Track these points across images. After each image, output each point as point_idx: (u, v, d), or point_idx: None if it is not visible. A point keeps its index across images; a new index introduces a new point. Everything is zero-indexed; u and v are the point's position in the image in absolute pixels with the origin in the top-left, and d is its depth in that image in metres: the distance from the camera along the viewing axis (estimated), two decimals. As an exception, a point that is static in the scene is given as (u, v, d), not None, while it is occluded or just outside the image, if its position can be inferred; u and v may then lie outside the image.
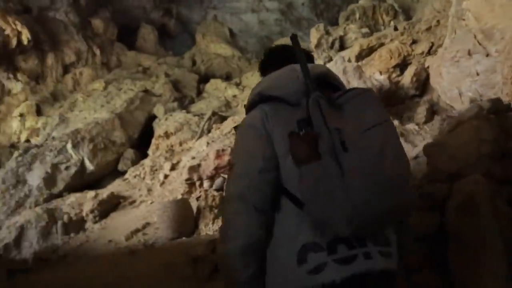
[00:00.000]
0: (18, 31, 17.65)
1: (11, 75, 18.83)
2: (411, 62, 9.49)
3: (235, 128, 1.58)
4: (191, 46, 22.31)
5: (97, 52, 19.65)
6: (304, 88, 1.44)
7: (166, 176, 11.00)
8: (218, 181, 7.73)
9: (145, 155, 14.43)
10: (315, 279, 1.25)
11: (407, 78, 8.77)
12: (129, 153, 14.61)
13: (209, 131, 13.58)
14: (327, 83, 1.54)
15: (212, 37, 21.13)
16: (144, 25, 22.14)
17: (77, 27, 19.70)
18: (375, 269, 1.27)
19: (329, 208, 1.22)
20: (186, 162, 10.65)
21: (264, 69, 1.82)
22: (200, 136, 13.29)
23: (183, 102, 16.73)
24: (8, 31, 17.52)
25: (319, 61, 11.58)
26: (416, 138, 7.16)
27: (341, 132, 1.27)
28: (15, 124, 17.19)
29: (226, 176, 7.97)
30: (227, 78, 19.02)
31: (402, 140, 6.06)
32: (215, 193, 7.30)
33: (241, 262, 1.35)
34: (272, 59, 1.78)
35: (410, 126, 7.50)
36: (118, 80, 17.66)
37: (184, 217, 6.86)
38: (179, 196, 9.72)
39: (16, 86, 19.01)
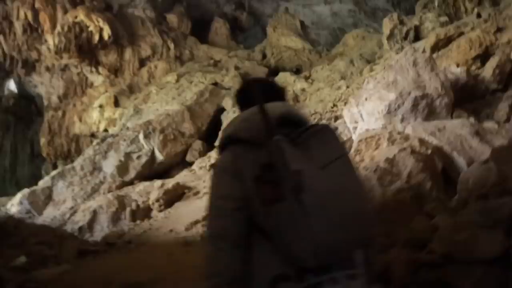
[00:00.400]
0: (100, 28, 18.65)
1: (93, 69, 19.99)
2: (494, 52, 8.66)
3: (211, 166, 1.67)
4: (262, 39, 22.31)
5: (171, 46, 20.24)
6: (265, 130, 1.52)
7: (229, 169, 11.04)
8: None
9: (212, 147, 14.63)
10: None
11: (488, 71, 8.01)
12: (197, 144, 14.91)
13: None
14: (290, 121, 1.61)
15: (283, 30, 20.94)
16: (217, 19, 22.46)
17: (153, 22, 20.43)
18: None
19: (295, 244, 1.35)
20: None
21: (240, 105, 1.91)
22: (266, 130, 13.16)
23: (252, 95, 16.73)
24: (91, 27, 18.58)
25: (390, 53, 11.03)
26: (495, 138, 6.50)
27: (302, 173, 1.36)
28: (95, 114, 18.22)
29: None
30: (297, 71, 18.76)
31: (477, 140, 5.54)
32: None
33: None
34: (245, 97, 1.85)
35: (489, 125, 6.79)
36: (190, 73, 18.07)
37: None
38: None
39: (97, 79, 20.16)
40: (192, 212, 9.50)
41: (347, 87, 13.58)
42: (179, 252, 6.26)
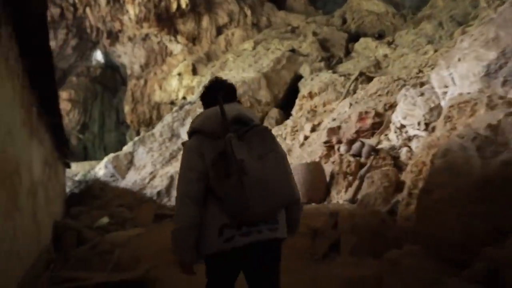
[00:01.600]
0: (178, -5, 18.65)
1: (172, 38, 20.18)
2: None
3: (183, 144, 2.23)
4: (342, 4, 21.10)
5: (248, 13, 19.82)
6: (222, 127, 2.09)
7: (306, 137, 10.57)
8: (356, 145, 6.98)
9: (289, 116, 14.22)
10: (228, 245, 2.02)
11: None
12: (274, 112, 14.55)
13: (354, 92, 12.71)
14: (240, 120, 2.12)
15: (365, -8, 19.61)
16: (295, -16, 21.59)
17: (230, -11, 20.08)
18: (263, 239, 2.04)
19: (235, 206, 1.98)
20: (327, 124, 10.04)
21: (204, 103, 2.38)
22: (345, 97, 12.50)
23: (330, 62, 15.97)
24: (169, -5, 18.64)
25: (488, 10, 9.77)
26: None
27: (243, 161, 1.96)
28: (174, 82, 18.47)
29: (365, 140, 7.20)
30: (379, 36, 17.54)
31: None
32: (351, 159, 6.60)
33: (186, 237, 2.06)
34: (208, 97, 2.33)
35: None
36: (267, 40, 17.60)
37: (315, 182, 6.36)
38: (317, 159, 9.25)
39: (176, 48, 20.35)
40: (266, 181, 9.21)
41: (435, 51, 12.37)
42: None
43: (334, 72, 14.36)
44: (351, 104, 9.67)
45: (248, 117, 2.16)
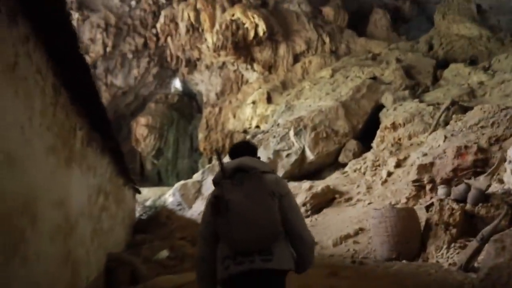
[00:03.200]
0: (256, 24, 18.12)
1: (248, 66, 19.64)
2: None
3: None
4: (427, 30, 19.38)
5: (327, 40, 18.80)
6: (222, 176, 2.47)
7: (389, 174, 9.12)
8: (459, 188, 5.48)
9: (368, 148, 12.78)
10: (226, 272, 2.33)
11: None
12: (352, 144, 13.17)
13: (446, 123, 11.04)
14: (241, 169, 2.45)
15: (455, 16, 17.82)
16: (376, 10, 20.29)
17: (308, 16, 19.24)
18: (255, 267, 2.29)
19: (227, 239, 2.33)
20: (415, 159, 8.54)
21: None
22: (435, 129, 10.87)
23: (416, 91, 14.35)
24: (247, 24, 18.16)
25: None
26: None
27: (230, 200, 2.31)
28: (248, 110, 17.74)
29: (471, 182, 5.67)
30: (472, 62, 15.63)
31: None
32: (454, 205, 5.12)
33: (197, 268, 2.51)
34: (230, 154, 2.72)
35: None
36: (345, 68, 16.38)
37: (408, 233, 4.96)
38: (403, 200, 7.78)
39: (252, 76, 19.77)
40: (342, 222, 7.89)
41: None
42: (320, 277, 4.70)
43: (421, 101, 12.75)
44: (446, 137, 8.12)
45: (250, 166, 2.47)
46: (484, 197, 5.30)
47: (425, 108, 11.90)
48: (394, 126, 11.82)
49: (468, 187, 5.48)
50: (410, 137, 11.20)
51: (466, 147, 7.41)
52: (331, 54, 18.46)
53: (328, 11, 19.67)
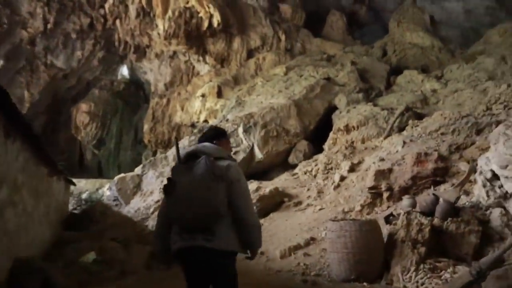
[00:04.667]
0: (211, 14, 17.01)
1: (200, 58, 18.50)
2: None
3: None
4: (381, 37, 19.08)
5: (283, 37, 18.02)
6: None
7: (342, 178, 8.38)
8: (427, 199, 4.75)
9: (319, 150, 12.08)
10: (174, 246, 2.51)
11: None
12: (303, 145, 12.41)
13: (400, 129, 10.53)
14: (194, 155, 2.67)
15: (409, 24, 17.60)
16: (333, 12, 19.77)
17: (265, 12, 18.38)
18: (196, 245, 2.43)
19: (173, 217, 2.53)
20: (371, 164, 7.86)
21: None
22: (389, 135, 10.32)
23: (369, 94, 13.85)
24: (202, 13, 17.02)
25: None
26: None
27: (177, 181, 2.53)
28: (197, 104, 16.62)
29: (440, 194, 4.96)
30: (423, 71, 15.39)
31: None
32: (424, 220, 4.36)
33: (154, 242, 3.02)
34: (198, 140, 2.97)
35: None
36: (300, 67, 15.65)
37: (370, 250, 4.17)
38: (357, 208, 7.04)
39: (203, 68, 18.64)
40: (292, 229, 7.04)
41: (497, 88, 10.18)
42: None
43: (374, 105, 12.22)
44: (404, 143, 7.48)
45: (203, 152, 2.63)
46: (454, 210, 4.60)
47: (380, 112, 11.36)
48: (347, 129, 11.19)
49: (436, 198, 4.76)
50: (363, 141, 10.60)
51: (426, 154, 6.79)
52: (286, 52, 17.70)
53: (285, 8, 18.91)
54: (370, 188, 6.87)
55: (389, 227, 4.91)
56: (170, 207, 2.49)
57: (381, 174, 6.80)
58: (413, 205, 4.99)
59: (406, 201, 5.09)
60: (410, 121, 9.79)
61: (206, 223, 2.42)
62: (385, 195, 6.73)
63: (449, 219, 4.52)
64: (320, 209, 7.77)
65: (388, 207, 6.63)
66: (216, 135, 2.92)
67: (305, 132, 12.83)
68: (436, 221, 4.54)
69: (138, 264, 7.48)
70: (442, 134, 7.37)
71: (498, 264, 3.14)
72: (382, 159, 7.41)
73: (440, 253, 4.35)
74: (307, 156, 12.06)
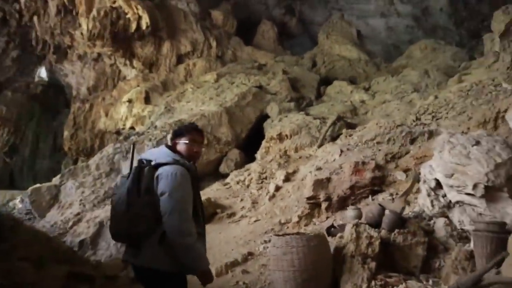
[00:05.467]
0: (139, 16, 16.09)
1: (127, 62, 17.45)
2: None
3: None
4: (310, 48, 19.30)
5: (214, 44, 17.54)
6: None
7: (277, 188, 8.03)
8: (373, 210, 4.49)
9: (251, 159, 11.71)
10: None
11: None
12: (234, 153, 11.97)
13: (333, 138, 10.47)
14: (141, 161, 2.54)
15: (338, 37, 17.98)
16: (264, 21, 19.70)
17: (196, 17, 17.80)
18: (127, 259, 2.48)
19: (110, 228, 2.55)
20: (307, 174, 7.59)
21: None
22: (322, 144, 10.21)
23: (300, 104, 13.79)
24: (129, 14, 16.05)
25: (504, 53, 8.01)
26: None
27: (114, 195, 2.55)
28: (122, 109, 15.58)
29: (384, 204, 4.72)
30: (351, 82, 15.70)
31: None
32: (373, 233, 4.07)
33: None
34: None
35: None
36: (231, 74, 15.27)
37: (318, 267, 3.77)
38: (294, 219, 6.70)
39: (130, 73, 17.61)
40: (227, 243, 6.52)
41: (423, 99, 10.53)
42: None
43: (307, 114, 12.12)
44: (342, 151, 7.30)
45: (148, 159, 2.48)
46: (400, 221, 4.37)
47: (312, 121, 11.24)
48: (280, 137, 10.92)
49: (382, 209, 4.52)
50: (297, 150, 10.38)
51: (363, 163, 6.64)
52: (217, 59, 17.23)
53: (217, 15, 18.48)
54: (308, 198, 6.57)
55: (333, 240, 4.58)
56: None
57: (319, 184, 6.52)
58: (359, 216, 4.71)
59: (351, 212, 4.80)
60: (344, 130, 9.75)
61: (134, 239, 2.35)
62: (324, 205, 6.46)
63: (396, 230, 4.29)
64: (255, 221, 7.34)
65: (327, 217, 6.36)
66: (173, 135, 2.74)
67: (237, 141, 12.41)
68: (383, 233, 4.27)
69: (52, 286, 6.55)
70: (378, 143, 7.30)
71: (477, 285, 2.89)
72: (319, 168, 7.16)
73: (389, 267, 4.07)
74: (239, 165, 11.63)
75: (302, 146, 10.44)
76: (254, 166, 9.85)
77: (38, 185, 11.55)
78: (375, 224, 4.42)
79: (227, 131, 12.18)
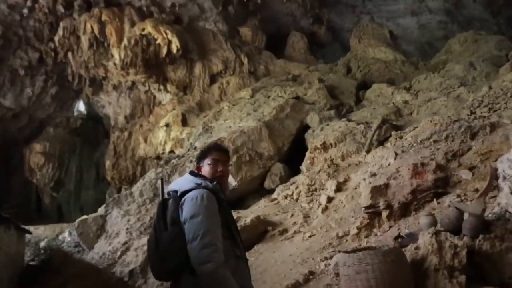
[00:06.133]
0: (169, 40, 16.18)
1: (161, 86, 17.55)
2: None
3: None
4: (341, 56, 18.82)
5: (245, 60, 17.39)
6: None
7: (330, 199, 7.55)
8: (450, 215, 3.95)
9: (296, 172, 11.29)
10: None
11: None
12: (278, 168, 11.59)
13: (380, 142, 9.92)
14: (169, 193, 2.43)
15: (370, 40, 17.45)
16: (294, 33, 19.44)
17: (225, 36, 17.76)
18: None
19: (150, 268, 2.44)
20: (361, 181, 7.09)
21: None
22: (369, 149, 9.68)
23: (340, 111, 13.30)
24: (159, 40, 16.17)
25: None
26: None
27: (150, 233, 2.36)
28: (161, 134, 15.56)
29: (462, 206, 4.19)
30: (390, 84, 15.06)
31: None
32: (457, 241, 3.56)
33: None
34: None
35: None
36: (266, 88, 14.99)
37: (398, 286, 3.31)
38: (353, 231, 6.19)
39: (165, 97, 17.68)
40: (282, 263, 6.09)
41: (474, 92, 9.85)
42: None
43: (349, 121, 11.61)
44: (396, 154, 6.77)
45: (173, 189, 2.38)
46: (483, 225, 3.83)
47: (356, 127, 10.73)
48: (325, 146, 10.46)
49: (460, 213, 3.99)
50: (343, 158, 9.88)
51: (423, 164, 6.08)
52: (249, 75, 17.05)
53: (245, 31, 18.39)
54: (366, 208, 6.06)
55: (405, 252, 4.07)
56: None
57: (377, 191, 6.01)
58: (433, 223, 4.19)
59: (425, 219, 4.28)
60: (393, 132, 9.18)
61: (173, 275, 2.22)
62: (384, 213, 5.93)
63: (481, 236, 3.74)
64: (310, 236, 6.87)
65: (390, 227, 5.83)
66: (197, 159, 2.66)
67: (279, 154, 12.03)
68: (466, 240, 3.74)
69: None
70: (435, 141, 6.72)
71: None
72: (373, 174, 6.65)
73: (479, 280, 3.53)
74: (284, 179, 11.24)
75: (349, 153, 9.94)
76: (301, 179, 9.40)
77: (84, 216, 11.52)
78: (454, 230, 3.89)
79: (268, 145, 11.83)
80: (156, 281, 8.29)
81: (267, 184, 11.40)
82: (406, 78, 15.30)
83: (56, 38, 16.25)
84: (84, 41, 16.24)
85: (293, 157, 11.95)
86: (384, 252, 3.34)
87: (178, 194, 2.31)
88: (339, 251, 5.58)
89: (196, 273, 2.11)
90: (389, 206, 5.95)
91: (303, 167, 10.78)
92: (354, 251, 3.63)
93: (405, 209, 5.96)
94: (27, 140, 19.00)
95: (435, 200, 5.86)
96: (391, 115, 11.69)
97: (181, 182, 2.45)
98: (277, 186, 10.83)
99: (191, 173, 2.53)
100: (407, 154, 6.70)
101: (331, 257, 5.47)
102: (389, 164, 6.67)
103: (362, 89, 15.00)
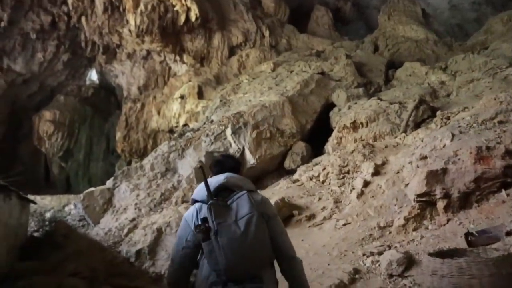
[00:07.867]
0: (187, 7, 15.02)
1: (177, 57, 16.46)
2: None
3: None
4: (365, 35, 17.49)
5: (266, 33, 16.20)
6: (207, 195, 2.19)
7: (366, 184, 6.52)
8: None
9: (319, 152, 10.26)
10: None
11: None
12: (300, 147, 10.54)
13: (416, 124, 8.84)
14: (226, 188, 2.23)
15: (401, 17, 16.12)
16: (318, 7, 18.14)
17: (247, 6, 16.53)
18: None
19: (217, 265, 2.05)
20: (405, 165, 6.04)
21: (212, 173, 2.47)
22: (405, 130, 8.61)
23: (369, 89, 12.16)
24: (177, 6, 15.01)
25: None
26: None
27: (220, 224, 2.05)
28: (175, 106, 14.55)
29: None
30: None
31: None
32: None
33: None
34: (213, 168, 2.43)
35: None
36: (289, 62, 13.85)
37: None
38: (398, 222, 5.17)
39: (181, 69, 16.61)
40: (316, 255, 5.11)
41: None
42: None
43: (380, 100, 10.48)
44: (453, 135, 5.68)
45: (236, 184, 2.25)
46: None
47: (389, 107, 9.61)
48: (354, 126, 9.39)
49: None
50: (375, 138, 8.81)
51: (488, 148, 5.01)
52: (271, 48, 15.88)
53: (268, 2, 17.15)
54: (418, 196, 5.03)
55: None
56: (211, 255, 2.06)
57: (433, 177, 4.97)
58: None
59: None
60: (438, 113, 8.08)
61: (257, 270, 2.12)
62: (441, 204, 4.90)
63: None
64: (344, 224, 5.88)
65: (448, 220, 4.80)
66: (238, 164, 2.57)
67: (302, 132, 10.97)
68: None
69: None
70: (500, 122, 5.63)
71: None
72: (423, 157, 5.57)
73: None
74: (306, 160, 10.22)
75: (382, 134, 8.87)
76: (330, 159, 8.34)
77: (91, 188, 10.64)
78: None
79: (291, 122, 10.78)
80: (165, 264, 7.42)
81: (287, 163, 10.39)
82: (439, 59, 14.06)
83: (69, 1, 15.19)
84: (99, 4, 15.15)
85: (317, 135, 10.93)
86: (496, 263, 2.31)
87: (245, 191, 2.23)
88: (389, 246, 4.59)
89: (283, 269, 2.20)
90: (446, 195, 4.92)
91: (328, 147, 9.74)
92: (441, 253, 2.61)
93: (465, 200, 4.93)
94: (37, 108, 18.13)
95: (504, 190, 4.82)
96: (426, 95, 10.54)
97: (243, 180, 2.34)
98: (298, 166, 9.81)
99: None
100: (466, 135, 5.61)
101: (379, 253, 4.47)
102: (443, 146, 5.59)
103: (390, 68, 13.81)
